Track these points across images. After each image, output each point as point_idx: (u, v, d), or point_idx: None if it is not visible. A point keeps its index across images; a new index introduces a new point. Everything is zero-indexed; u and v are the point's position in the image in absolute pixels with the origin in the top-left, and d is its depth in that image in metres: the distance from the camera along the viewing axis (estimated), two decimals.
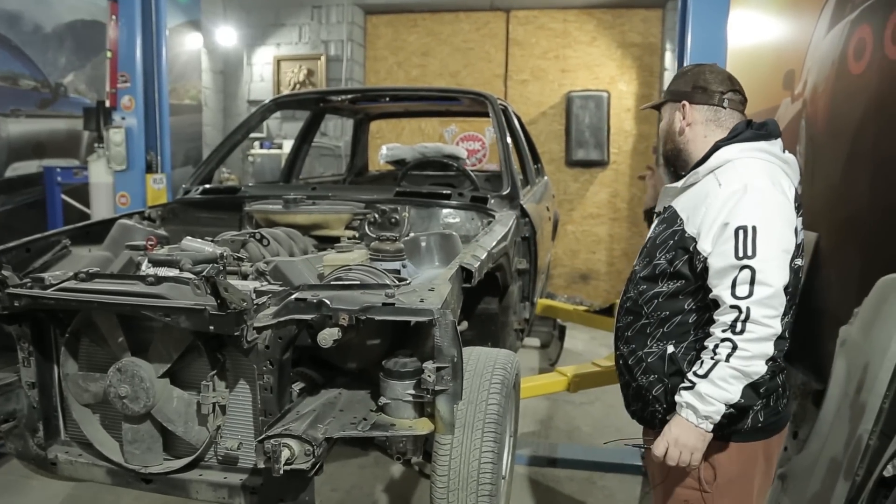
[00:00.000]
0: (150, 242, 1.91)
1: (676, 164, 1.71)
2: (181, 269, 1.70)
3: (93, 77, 5.10)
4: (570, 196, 6.88)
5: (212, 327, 1.40)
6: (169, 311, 1.43)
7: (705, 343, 1.49)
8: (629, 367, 1.68)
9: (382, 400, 1.51)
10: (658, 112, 1.81)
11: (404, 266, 1.91)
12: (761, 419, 1.59)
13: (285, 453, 1.35)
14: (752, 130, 1.63)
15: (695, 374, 1.48)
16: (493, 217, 2.42)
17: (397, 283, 1.62)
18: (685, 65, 3.30)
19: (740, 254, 1.43)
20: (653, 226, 1.75)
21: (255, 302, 1.45)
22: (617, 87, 6.70)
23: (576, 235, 6.90)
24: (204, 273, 1.37)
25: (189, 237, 1.89)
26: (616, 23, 6.64)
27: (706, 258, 1.50)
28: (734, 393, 1.44)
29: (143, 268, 1.75)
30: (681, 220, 1.58)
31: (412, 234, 2.20)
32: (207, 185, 2.84)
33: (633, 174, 6.80)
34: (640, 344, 1.64)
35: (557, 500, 3.08)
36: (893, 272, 2.17)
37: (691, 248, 1.53)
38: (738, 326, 1.42)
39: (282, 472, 1.35)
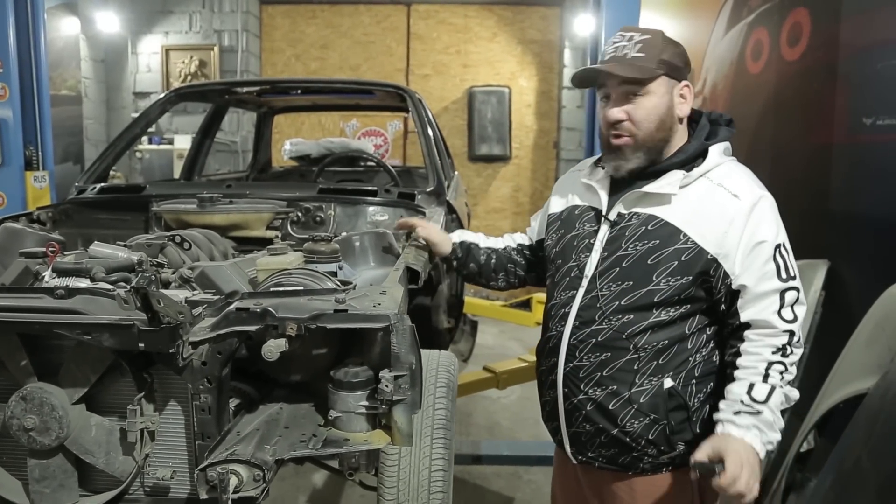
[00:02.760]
0: (51, 249, 1.69)
1: (654, 156, 1.45)
2: (93, 279, 1.51)
3: None
4: (474, 191, 6.91)
5: (142, 345, 1.24)
6: (89, 328, 1.25)
7: (739, 362, 1.37)
8: (608, 412, 1.44)
9: (333, 413, 1.39)
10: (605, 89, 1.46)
11: (341, 268, 1.80)
12: None
13: (233, 481, 1.22)
14: (727, 128, 1.50)
15: (751, 398, 1.33)
16: (424, 214, 2.34)
17: (342, 286, 1.51)
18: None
19: (783, 275, 1.36)
20: (626, 242, 1.43)
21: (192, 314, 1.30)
22: (518, 83, 6.79)
23: (480, 230, 6.93)
24: (133, 283, 1.21)
25: (98, 242, 1.68)
26: (516, 19, 6.73)
27: (733, 280, 1.37)
28: (782, 422, 1.35)
29: (47, 278, 1.54)
30: (686, 236, 1.38)
31: (344, 234, 2.08)
32: (104, 184, 2.58)
33: (535, 169, 6.93)
34: (625, 384, 1.43)
35: (487, 498, 3.06)
36: (798, 259, 2.29)
37: (711, 271, 1.38)
38: (788, 349, 1.35)
39: (230, 501, 1.21)
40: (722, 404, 1.38)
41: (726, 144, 1.48)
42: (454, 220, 2.65)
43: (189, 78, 6.24)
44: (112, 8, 6.10)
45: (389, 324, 1.30)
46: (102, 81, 6.31)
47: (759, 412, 1.33)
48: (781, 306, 1.36)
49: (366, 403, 1.38)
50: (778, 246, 1.38)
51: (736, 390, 1.36)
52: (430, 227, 1.87)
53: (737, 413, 1.34)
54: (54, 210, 2.39)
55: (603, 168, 1.54)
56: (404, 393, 1.33)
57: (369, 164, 4.09)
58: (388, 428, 1.38)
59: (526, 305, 4.01)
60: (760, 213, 1.38)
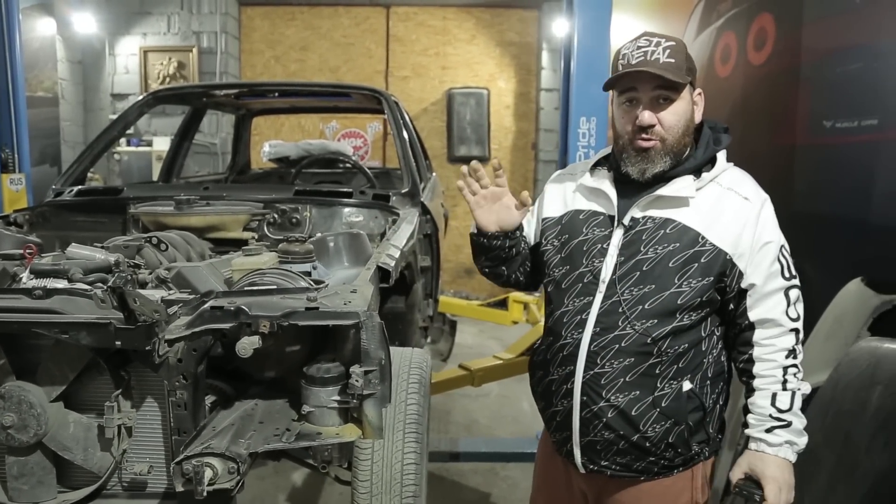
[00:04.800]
0: (28, 251, 1.72)
1: (678, 160, 1.46)
2: (70, 280, 1.54)
3: None
4: (453, 192, 6.93)
5: (119, 343, 1.28)
6: (67, 327, 1.28)
7: (756, 371, 1.43)
8: (630, 418, 1.43)
9: (305, 408, 1.44)
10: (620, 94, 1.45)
11: (315, 268, 1.85)
12: None
13: (208, 473, 1.26)
14: (726, 134, 1.52)
15: (778, 409, 1.40)
16: (397, 215, 2.39)
17: (315, 285, 1.56)
18: (573, 63, 3.41)
19: (787, 274, 1.41)
20: (645, 245, 1.44)
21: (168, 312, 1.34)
22: (496, 85, 6.86)
23: (459, 231, 7.00)
24: (110, 283, 1.25)
25: (75, 243, 1.71)
26: (494, 22, 6.79)
27: (744, 280, 1.42)
28: (805, 420, 1.41)
29: (24, 279, 1.56)
30: (704, 238, 1.41)
31: (318, 235, 2.13)
32: (82, 187, 2.60)
33: (514, 170, 7.01)
34: (647, 389, 1.43)
35: (463, 494, 3.11)
36: None
37: (727, 271, 1.41)
38: (797, 350, 1.42)
39: (205, 493, 1.26)
40: (751, 419, 1.43)
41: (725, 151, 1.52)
42: (428, 221, 2.70)
43: (168, 80, 6.23)
44: (89, 9, 6.08)
45: (359, 321, 1.35)
46: (79, 83, 6.29)
47: (789, 423, 1.39)
48: (788, 305, 1.41)
49: (337, 398, 1.42)
50: (781, 246, 1.43)
51: (760, 403, 1.42)
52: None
53: (769, 430, 1.40)
54: (31, 212, 2.41)
55: (608, 170, 1.54)
56: (374, 387, 1.38)
57: (348, 165, 4.12)
58: (360, 422, 1.43)
59: (502, 305, 4.07)
60: (766, 215, 1.43)
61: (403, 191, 2.62)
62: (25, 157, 3.55)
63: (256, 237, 2.30)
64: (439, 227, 2.90)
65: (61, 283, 1.53)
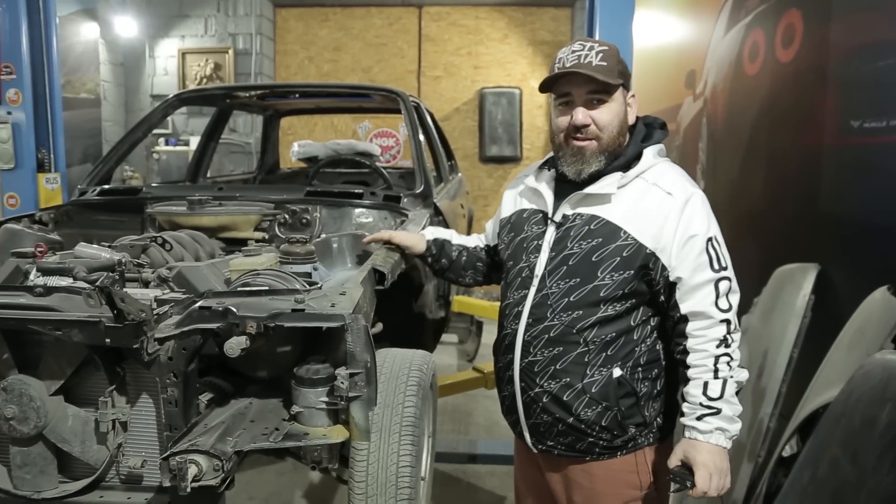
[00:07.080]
0: (38, 249, 1.78)
1: (612, 159, 1.52)
2: (75, 278, 1.58)
3: None
4: (485, 191, 6.96)
5: (108, 340, 1.31)
6: (60, 324, 1.33)
7: (689, 361, 1.45)
8: (563, 403, 1.52)
9: (295, 408, 1.46)
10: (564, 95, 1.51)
11: (315, 269, 1.86)
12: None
13: (192, 470, 1.28)
14: (661, 131, 1.57)
15: (708, 398, 1.43)
16: (407, 216, 2.39)
17: (307, 287, 1.57)
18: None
19: (716, 266, 1.44)
20: (572, 241, 1.51)
21: (155, 312, 1.37)
22: (529, 84, 6.82)
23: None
24: (98, 282, 1.28)
25: (83, 242, 1.77)
26: (527, 20, 6.76)
27: (670, 273, 1.45)
28: (740, 405, 1.45)
29: (32, 277, 1.62)
30: (626, 233, 1.46)
31: (323, 236, 2.15)
32: (106, 186, 2.68)
33: None
34: (577, 375, 1.50)
35: (479, 496, 3.10)
36: (789, 262, 2.30)
37: (651, 265, 1.46)
38: (729, 339, 1.44)
39: (189, 489, 1.28)
40: (685, 408, 1.48)
41: (660, 146, 1.56)
42: (441, 223, 2.69)
43: (205, 80, 6.38)
44: (130, 13, 6.27)
45: (344, 323, 1.36)
46: (121, 84, 6.48)
47: (719, 410, 1.43)
48: (717, 296, 1.44)
49: (326, 399, 1.44)
50: (709, 239, 1.46)
51: (693, 392, 1.46)
52: (400, 234, 1.93)
53: (700, 418, 1.44)
54: (56, 211, 2.49)
55: (550, 171, 1.62)
56: (360, 390, 1.39)
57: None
58: (348, 423, 1.44)
59: None
60: (692, 209, 1.46)
61: (417, 192, 2.63)
62: (61, 157, 3.67)
63: (267, 237, 2.34)
64: (453, 227, 2.89)
65: (66, 281, 1.58)
